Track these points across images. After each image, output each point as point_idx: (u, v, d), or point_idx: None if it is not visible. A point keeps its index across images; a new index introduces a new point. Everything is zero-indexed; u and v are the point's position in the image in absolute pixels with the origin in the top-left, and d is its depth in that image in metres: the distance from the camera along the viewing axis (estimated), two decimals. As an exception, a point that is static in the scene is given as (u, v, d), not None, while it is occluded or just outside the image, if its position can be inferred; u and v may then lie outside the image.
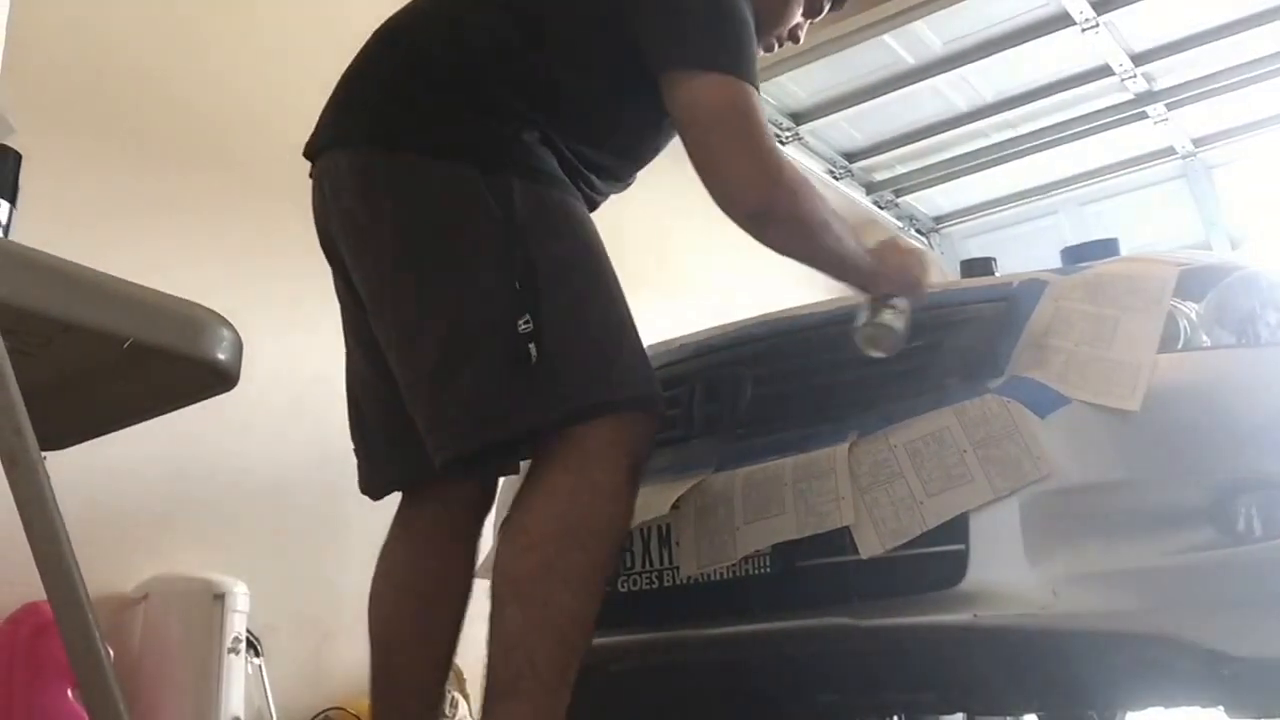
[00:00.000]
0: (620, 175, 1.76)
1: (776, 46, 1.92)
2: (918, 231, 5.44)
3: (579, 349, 1.46)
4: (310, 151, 1.64)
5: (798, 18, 1.91)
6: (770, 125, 4.43)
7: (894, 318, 1.79)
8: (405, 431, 1.53)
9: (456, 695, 3.20)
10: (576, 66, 1.59)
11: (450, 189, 1.48)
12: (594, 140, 1.64)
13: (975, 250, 5.02)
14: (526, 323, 1.40)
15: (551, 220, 1.50)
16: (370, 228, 1.51)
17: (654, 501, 1.90)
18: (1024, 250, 4.87)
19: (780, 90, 4.50)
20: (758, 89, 1.62)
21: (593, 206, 1.73)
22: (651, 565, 1.95)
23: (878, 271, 1.78)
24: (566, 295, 1.46)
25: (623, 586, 1.98)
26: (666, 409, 2.14)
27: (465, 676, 3.26)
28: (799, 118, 4.66)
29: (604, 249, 1.57)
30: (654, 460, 2.04)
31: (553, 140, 1.58)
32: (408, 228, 1.48)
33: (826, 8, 1.95)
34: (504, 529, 1.47)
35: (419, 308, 1.47)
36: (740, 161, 1.58)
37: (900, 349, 1.81)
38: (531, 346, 1.40)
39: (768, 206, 1.62)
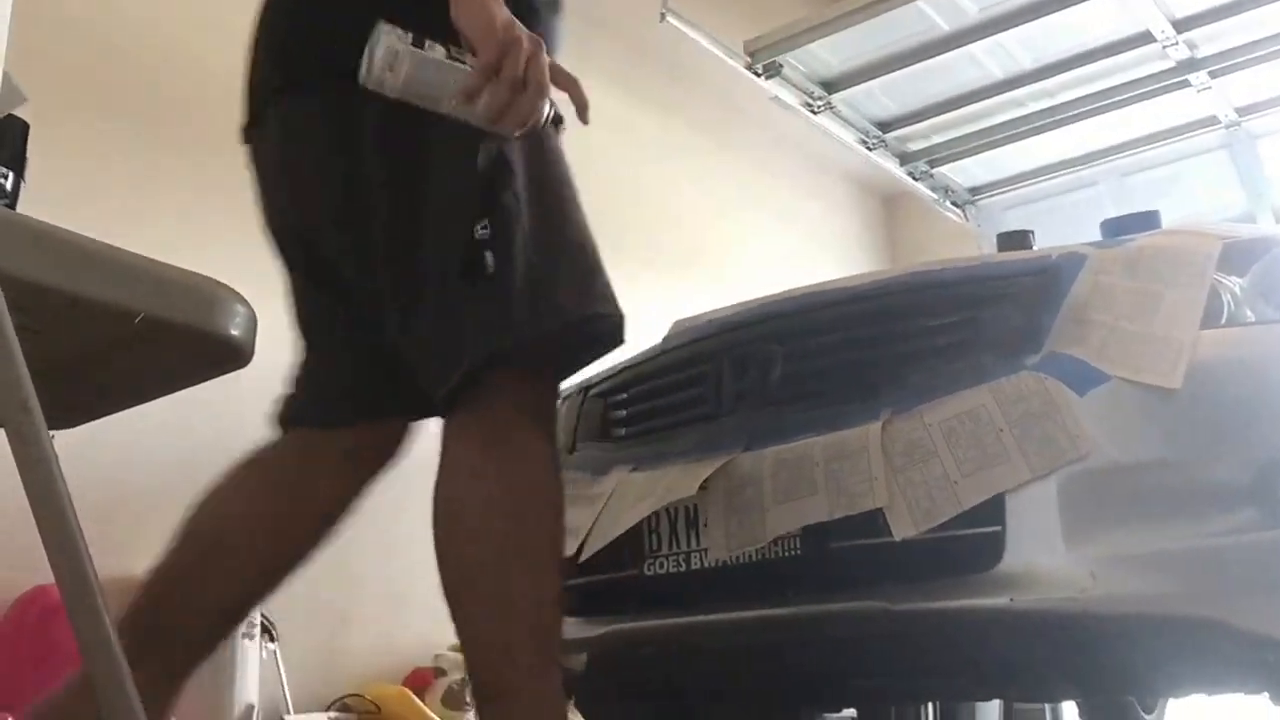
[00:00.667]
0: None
1: None
2: (953, 204, 5.36)
3: (553, 264, 1.38)
4: (250, 117, 1.55)
5: None
6: (803, 96, 4.43)
7: (413, 49, 1.26)
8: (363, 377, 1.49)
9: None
10: None
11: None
12: None
13: (1013, 222, 4.94)
14: (485, 228, 1.32)
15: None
16: (333, 171, 1.42)
17: (681, 482, 1.89)
18: (1063, 222, 4.77)
19: (811, 58, 4.42)
20: None
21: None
22: (679, 547, 1.94)
23: None
24: (539, 206, 1.39)
25: (649, 569, 1.98)
26: (692, 382, 2.14)
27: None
28: (830, 86, 4.57)
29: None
30: (681, 439, 2.05)
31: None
32: (379, 153, 1.39)
33: None
34: (435, 525, 1.38)
35: (394, 236, 1.39)
36: None
37: (395, 86, 1.26)
38: (489, 255, 1.31)
39: None
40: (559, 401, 1.48)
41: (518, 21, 1.31)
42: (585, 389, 2.38)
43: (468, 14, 1.31)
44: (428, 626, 3.36)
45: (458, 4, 1.32)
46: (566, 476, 2.19)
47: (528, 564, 1.34)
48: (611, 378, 2.34)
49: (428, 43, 1.27)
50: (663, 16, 4.08)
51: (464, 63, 1.28)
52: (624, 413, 2.27)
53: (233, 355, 1.11)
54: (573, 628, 2.14)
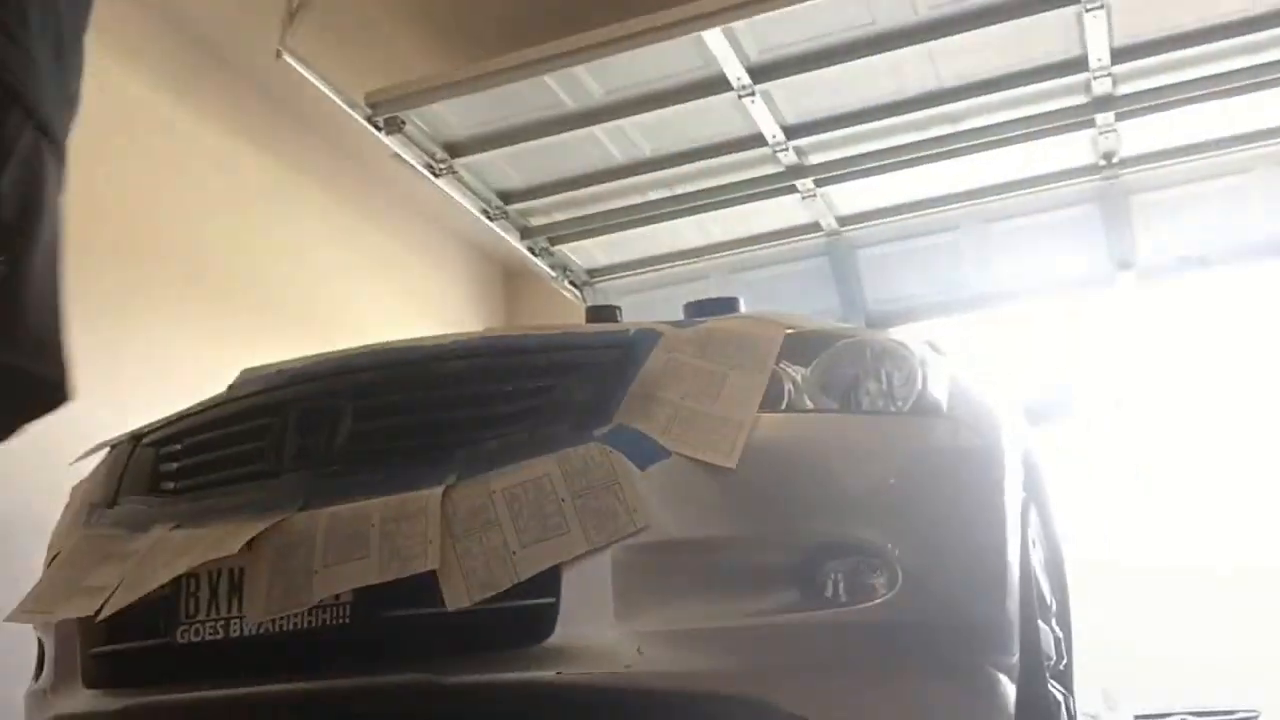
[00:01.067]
0: None
1: None
2: (572, 283, 5.61)
3: None
4: None
5: None
6: (425, 157, 4.49)
7: None
8: None
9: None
10: None
11: None
12: None
13: (629, 307, 5.20)
14: None
15: None
16: None
17: (223, 540, 1.85)
18: (676, 311, 5.09)
19: (435, 118, 4.50)
20: None
21: None
22: (218, 613, 1.90)
23: None
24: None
25: (182, 636, 1.91)
26: (252, 435, 2.10)
27: None
28: (454, 149, 4.67)
29: None
30: (234, 497, 2.01)
31: None
32: None
33: None
34: None
35: None
36: None
37: None
38: None
39: None
40: None
41: None
42: (137, 437, 2.29)
43: None
44: None
45: None
46: (102, 531, 2.11)
47: None
48: (166, 426, 2.26)
49: None
50: (279, 54, 4.02)
51: None
52: (175, 465, 2.20)
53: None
54: (95, 700, 2.03)
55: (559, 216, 5.20)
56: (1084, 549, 3.47)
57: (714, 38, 3.99)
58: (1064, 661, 2.59)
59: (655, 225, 5.17)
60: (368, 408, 2.05)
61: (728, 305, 2.98)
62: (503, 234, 5.18)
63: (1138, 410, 5.60)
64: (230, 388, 2.30)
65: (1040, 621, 2.34)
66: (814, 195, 4.92)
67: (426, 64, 4.68)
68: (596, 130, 4.57)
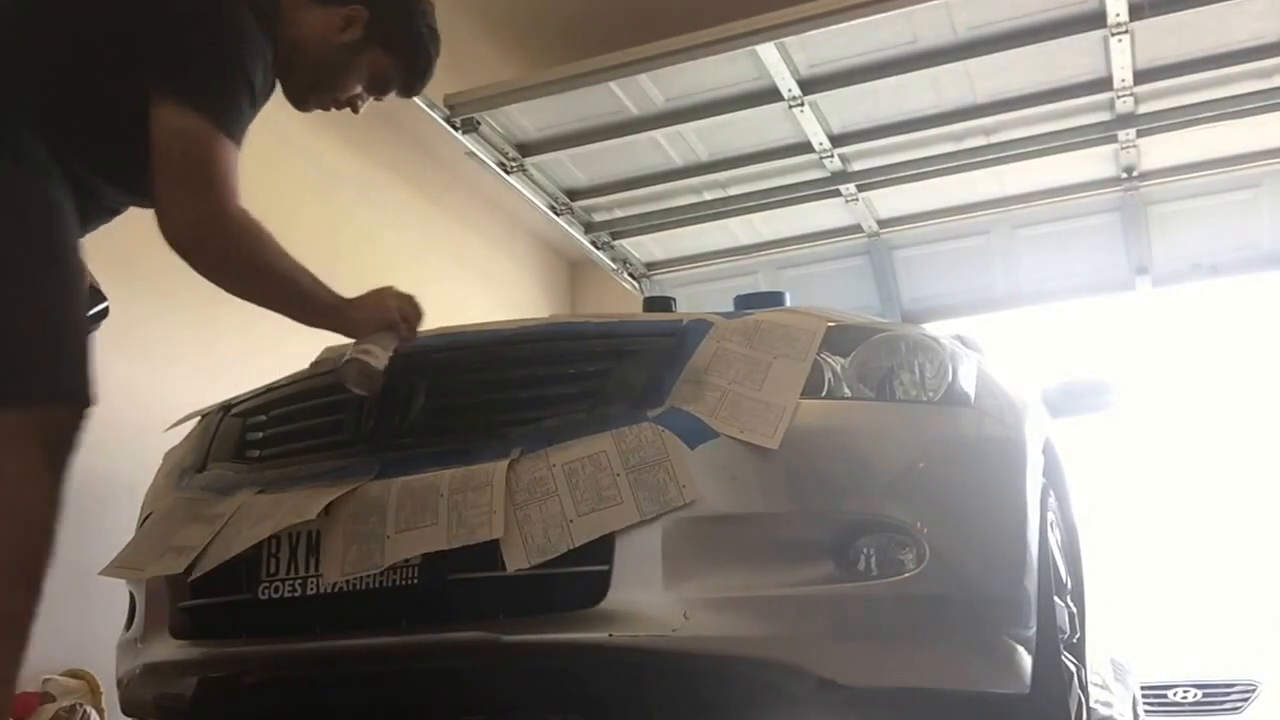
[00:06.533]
0: (131, 188, 1.79)
1: (334, 109, 2.06)
2: (631, 275, 5.58)
3: None
4: None
5: (357, 89, 2.04)
6: (498, 155, 4.47)
7: (367, 356, 1.94)
8: None
9: (89, 708, 2.94)
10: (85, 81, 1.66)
11: None
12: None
13: (683, 298, 5.18)
14: None
15: None
16: None
17: (304, 505, 1.83)
18: (726, 303, 5.06)
19: (508, 120, 4.49)
20: (233, 138, 1.77)
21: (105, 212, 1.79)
22: (297, 572, 1.87)
23: (347, 313, 1.97)
24: None
25: (264, 593, 1.88)
26: (333, 408, 2.07)
27: (101, 689, 3.01)
28: (525, 149, 4.66)
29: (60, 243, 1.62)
30: (314, 465, 1.98)
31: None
32: None
33: (393, 91, 2.08)
34: None
35: None
36: (179, 196, 1.70)
37: (378, 386, 1.95)
38: None
39: (195, 245, 1.75)
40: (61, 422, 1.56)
41: None
42: (226, 408, 2.27)
43: (366, 322, 1.98)
44: (36, 649, 3.04)
45: (360, 320, 1.98)
46: (192, 494, 2.09)
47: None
48: (253, 398, 2.24)
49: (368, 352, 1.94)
50: (365, 56, 4.01)
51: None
52: (261, 434, 2.18)
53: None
54: (181, 649, 2.02)
55: (620, 213, 5.19)
56: (1100, 532, 3.40)
57: (768, 52, 3.97)
58: (1077, 635, 2.53)
59: (709, 223, 5.16)
60: (439, 386, 2.01)
61: (774, 299, 2.93)
62: (568, 228, 5.16)
63: (1152, 403, 5.52)
64: (313, 364, 2.27)
65: (1056, 597, 2.28)
66: (856, 199, 4.88)
67: (501, 69, 4.65)
68: (657, 134, 4.54)
